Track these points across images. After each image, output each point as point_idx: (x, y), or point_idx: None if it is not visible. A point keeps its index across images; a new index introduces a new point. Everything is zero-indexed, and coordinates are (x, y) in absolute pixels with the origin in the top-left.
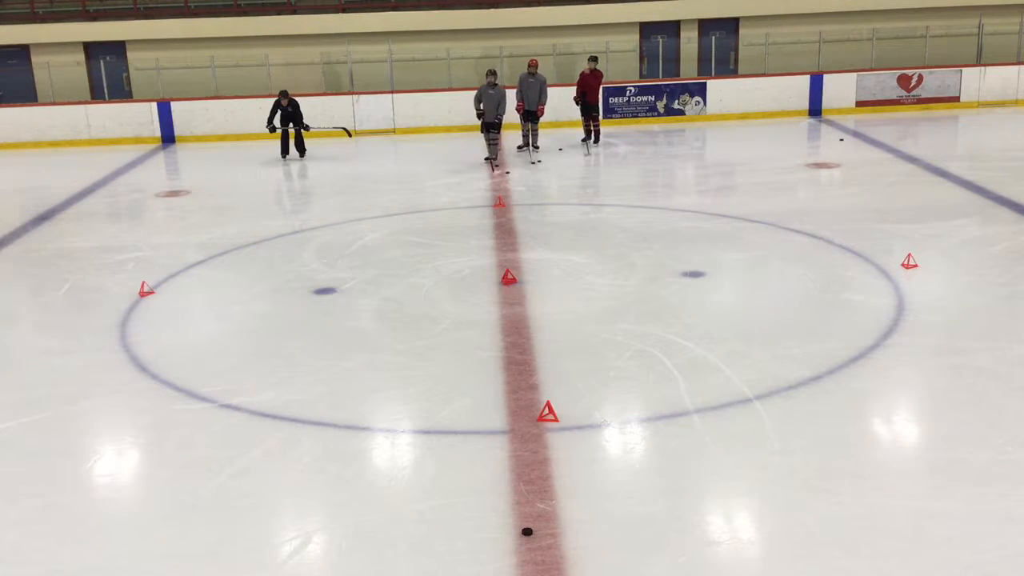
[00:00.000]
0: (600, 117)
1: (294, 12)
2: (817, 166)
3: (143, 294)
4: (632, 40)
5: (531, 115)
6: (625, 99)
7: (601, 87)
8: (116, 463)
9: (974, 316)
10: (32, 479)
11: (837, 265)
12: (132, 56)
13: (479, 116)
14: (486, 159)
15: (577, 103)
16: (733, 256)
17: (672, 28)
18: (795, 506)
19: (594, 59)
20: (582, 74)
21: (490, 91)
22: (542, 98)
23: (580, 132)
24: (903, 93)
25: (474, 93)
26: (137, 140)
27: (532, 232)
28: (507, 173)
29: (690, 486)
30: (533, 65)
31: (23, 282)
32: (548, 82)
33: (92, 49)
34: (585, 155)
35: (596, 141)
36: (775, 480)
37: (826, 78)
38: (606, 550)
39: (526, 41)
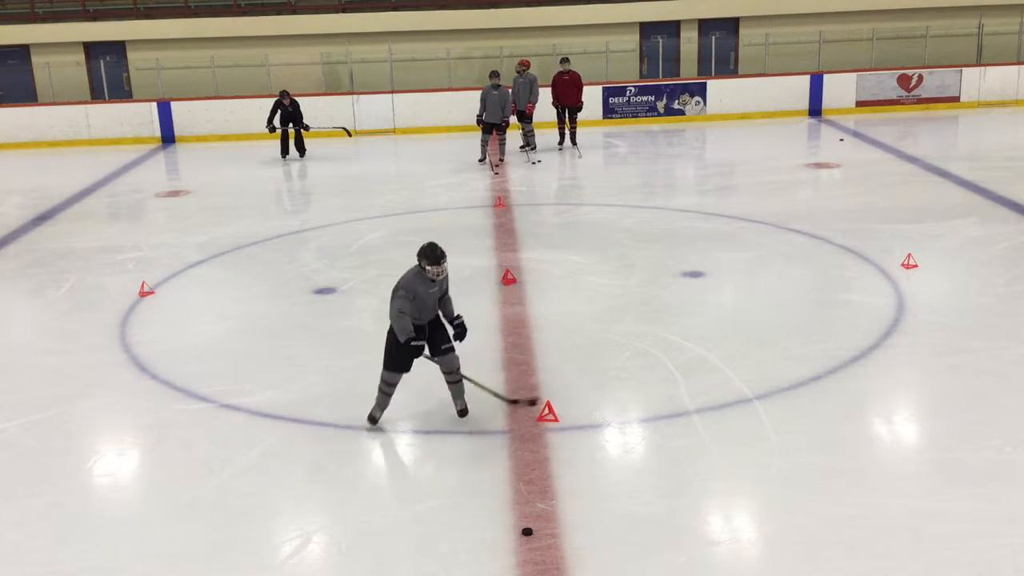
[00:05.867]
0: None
1: (294, 12)
2: (817, 166)
3: (143, 294)
4: (632, 40)
5: (522, 115)
6: (625, 99)
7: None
8: (116, 463)
9: (974, 316)
10: (32, 479)
11: (837, 265)
12: (132, 56)
13: (479, 121)
14: (480, 160)
15: (561, 108)
16: (733, 256)
17: (672, 28)
18: (795, 506)
19: (567, 59)
20: (561, 78)
21: (493, 92)
22: (532, 97)
23: (578, 132)
24: (903, 93)
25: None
26: (137, 140)
27: (532, 232)
28: (495, 173)
29: (690, 486)
30: (524, 65)
31: (23, 282)
32: (540, 82)
33: (92, 49)
34: (558, 150)
35: (575, 143)
36: (775, 480)
37: (826, 78)
38: (606, 550)
39: (526, 41)
